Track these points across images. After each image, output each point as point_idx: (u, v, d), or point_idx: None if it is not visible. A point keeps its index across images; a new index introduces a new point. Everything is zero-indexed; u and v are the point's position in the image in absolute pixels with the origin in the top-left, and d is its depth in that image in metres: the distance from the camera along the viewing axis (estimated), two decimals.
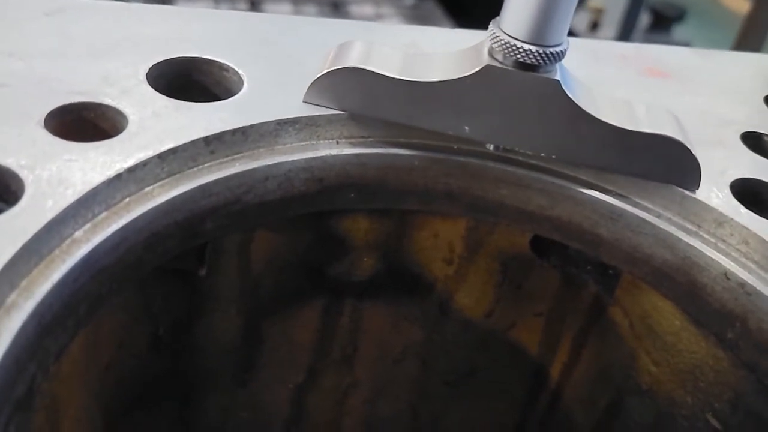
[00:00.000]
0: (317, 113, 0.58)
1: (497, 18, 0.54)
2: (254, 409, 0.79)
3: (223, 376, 0.75)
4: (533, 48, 0.53)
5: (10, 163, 0.47)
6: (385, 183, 0.62)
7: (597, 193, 0.60)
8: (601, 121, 0.56)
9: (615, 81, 0.75)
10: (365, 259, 0.70)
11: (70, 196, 0.46)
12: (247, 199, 0.57)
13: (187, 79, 0.62)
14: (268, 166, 0.57)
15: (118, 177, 0.49)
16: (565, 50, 0.54)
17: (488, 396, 0.83)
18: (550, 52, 0.53)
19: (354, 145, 0.60)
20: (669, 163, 0.58)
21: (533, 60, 0.53)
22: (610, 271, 0.70)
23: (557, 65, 0.55)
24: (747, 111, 0.72)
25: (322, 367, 0.79)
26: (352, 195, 0.62)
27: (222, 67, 0.62)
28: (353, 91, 0.58)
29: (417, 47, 0.71)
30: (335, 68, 0.58)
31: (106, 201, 0.48)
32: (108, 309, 0.57)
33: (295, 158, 0.58)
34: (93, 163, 0.49)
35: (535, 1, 0.51)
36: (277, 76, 0.61)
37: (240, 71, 0.61)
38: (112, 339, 0.61)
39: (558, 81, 0.54)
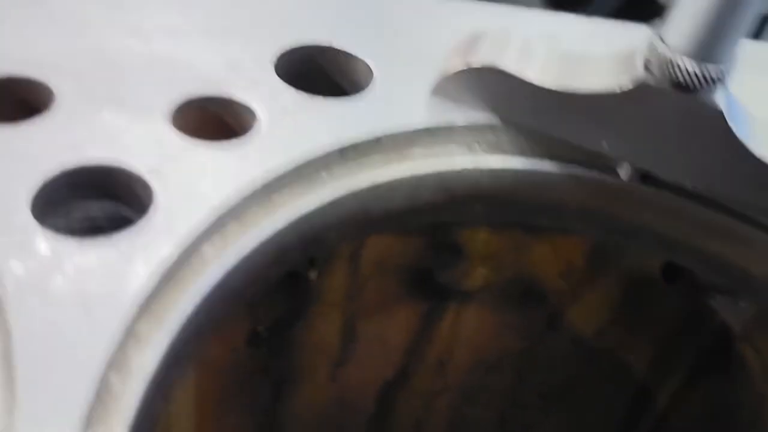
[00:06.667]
0: (452, 120, 0.53)
1: (659, 25, 0.48)
2: (341, 405, 0.77)
3: (314, 372, 0.72)
4: (698, 68, 0.45)
5: (136, 166, 0.43)
6: (516, 197, 0.57)
7: (753, 228, 0.54)
8: (765, 163, 0.49)
9: None
10: (478, 268, 0.66)
11: (203, 207, 0.42)
12: (372, 209, 0.53)
13: (312, 68, 0.57)
14: (398, 175, 0.52)
15: (250, 186, 0.45)
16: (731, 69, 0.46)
17: (585, 412, 0.79)
18: (716, 75, 0.45)
19: (488, 156, 0.55)
20: None
21: (697, 83, 0.46)
22: (741, 304, 0.64)
23: (721, 88, 0.47)
24: None
25: (415, 370, 0.76)
26: (479, 208, 0.57)
27: (350, 57, 0.57)
28: (486, 91, 0.53)
29: (556, 38, 0.64)
30: (470, 67, 0.52)
31: (236, 213, 0.44)
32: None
33: (427, 168, 0.53)
34: (224, 170, 0.45)
35: (711, 12, 0.43)
36: (408, 68, 0.56)
37: (368, 62, 0.56)
38: (215, 339, 0.58)
39: (721, 112, 0.47)
